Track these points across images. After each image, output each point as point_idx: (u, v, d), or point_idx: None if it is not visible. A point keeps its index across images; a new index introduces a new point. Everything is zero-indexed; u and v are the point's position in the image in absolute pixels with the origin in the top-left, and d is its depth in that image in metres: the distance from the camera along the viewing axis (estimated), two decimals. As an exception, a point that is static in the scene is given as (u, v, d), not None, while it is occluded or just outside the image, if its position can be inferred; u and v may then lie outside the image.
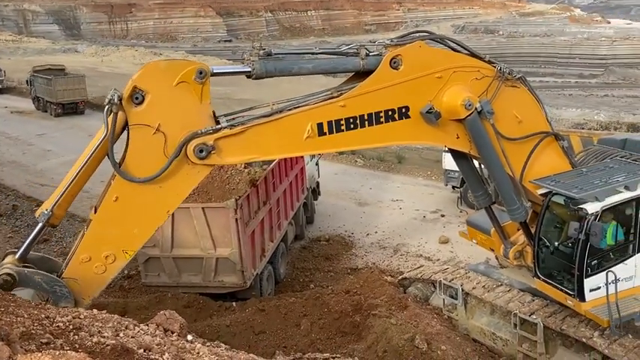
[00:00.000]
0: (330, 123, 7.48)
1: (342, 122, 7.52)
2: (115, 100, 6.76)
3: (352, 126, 7.57)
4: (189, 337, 5.87)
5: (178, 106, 7.02)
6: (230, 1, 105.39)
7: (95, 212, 7.28)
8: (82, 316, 5.58)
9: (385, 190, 21.53)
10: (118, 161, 7.03)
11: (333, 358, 7.95)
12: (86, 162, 7.08)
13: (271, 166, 13.46)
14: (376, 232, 17.46)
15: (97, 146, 7.01)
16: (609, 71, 73.08)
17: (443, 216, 18.56)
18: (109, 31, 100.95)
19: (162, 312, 6.12)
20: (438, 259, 14.93)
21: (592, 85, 68.32)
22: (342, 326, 10.15)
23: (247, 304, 11.48)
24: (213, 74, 7.10)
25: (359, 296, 11.07)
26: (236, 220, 11.13)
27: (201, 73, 6.92)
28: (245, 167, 13.39)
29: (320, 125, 7.45)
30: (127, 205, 7.15)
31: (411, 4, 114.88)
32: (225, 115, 7.46)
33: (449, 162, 17.26)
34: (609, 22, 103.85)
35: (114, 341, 4.83)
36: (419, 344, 9.13)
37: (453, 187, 19.20)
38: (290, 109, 7.44)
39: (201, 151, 7.06)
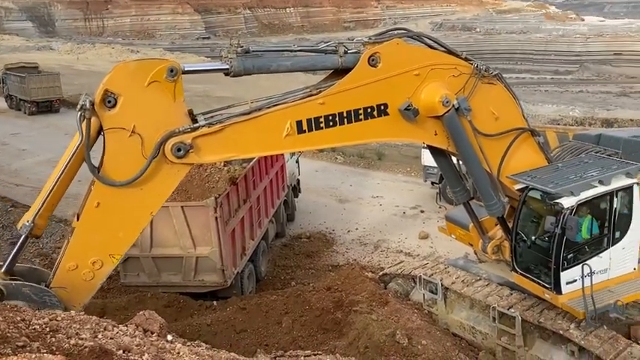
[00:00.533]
0: (309, 121, 7.49)
1: (322, 120, 7.54)
2: (87, 105, 6.72)
3: (331, 123, 7.59)
4: (170, 337, 5.82)
5: (152, 107, 6.96)
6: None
7: (78, 219, 7.23)
8: (59, 318, 5.49)
9: (365, 187, 21.61)
10: (97, 166, 6.97)
11: (315, 355, 7.95)
12: (64, 170, 7.01)
13: (251, 164, 13.41)
14: (357, 229, 17.53)
15: (74, 153, 6.95)
16: (584, 68, 74.25)
17: (422, 212, 18.71)
18: (84, 28, 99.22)
19: (141, 312, 6.06)
20: (418, 255, 15.07)
21: (567, 82, 69.33)
22: (323, 323, 10.17)
23: (228, 302, 11.43)
24: (185, 72, 7.02)
25: (340, 293, 11.10)
26: (216, 218, 11.07)
27: (172, 71, 6.85)
28: (225, 165, 13.31)
29: (299, 123, 7.45)
30: (110, 210, 7.12)
31: (389, 2, 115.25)
32: (204, 114, 7.40)
33: (428, 158, 17.38)
34: (583, 20, 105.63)
35: (92, 343, 4.77)
36: (400, 339, 9.21)
37: (432, 183, 19.36)
38: (269, 107, 7.42)
39: (179, 150, 7.01)
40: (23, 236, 7.21)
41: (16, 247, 7.37)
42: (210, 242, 11.21)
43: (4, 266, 7.17)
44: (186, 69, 7.07)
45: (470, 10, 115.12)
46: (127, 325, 5.75)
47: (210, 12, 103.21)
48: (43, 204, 7.12)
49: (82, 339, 4.90)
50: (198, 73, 7.57)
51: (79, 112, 6.76)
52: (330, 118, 7.57)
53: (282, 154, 16.28)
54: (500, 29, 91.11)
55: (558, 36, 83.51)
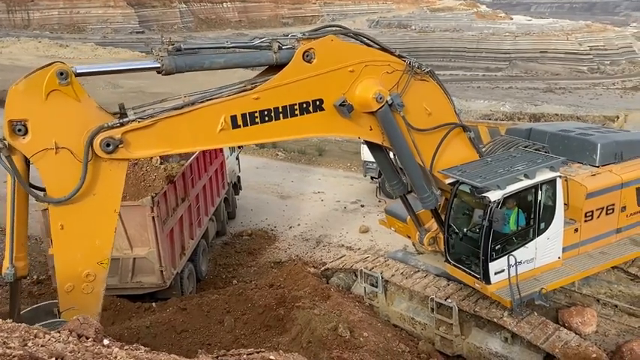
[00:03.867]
0: (244, 115, 7.44)
1: (257, 115, 7.51)
2: (1, 145, 6.58)
3: (267, 118, 7.58)
4: (106, 342, 5.61)
5: (62, 116, 6.76)
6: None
7: (52, 245, 7.23)
8: (-16, 328, 5.19)
9: (307, 183, 21.70)
10: (43, 191, 6.94)
11: (258, 352, 7.92)
12: (14, 210, 6.92)
13: (189, 161, 13.15)
14: (299, 225, 17.57)
15: (14, 192, 6.86)
16: (513, 65, 77.55)
17: (363, 206, 19.00)
18: (7, 20, 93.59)
19: (75, 317, 5.82)
20: (359, 249, 15.29)
21: (498, 78, 72.22)
22: (266, 320, 10.14)
23: (168, 303, 11.17)
24: (79, 74, 6.80)
25: (283, 289, 11.11)
26: (153, 218, 10.79)
27: (62, 74, 6.63)
28: (161, 163, 13.00)
29: (234, 118, 7.40)
30: (75, 227, 7.08)
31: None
32: (134, 108, 7.21)
33: (367, 154, 17.62)
34: (512, 19, 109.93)
35: (21, 352, 4.53)
36: (342, 332, 9.32)
37: (372, 178, 19.69)
38: (202, 102, 7.32)
39: (107, 145, 6.87)
40: (10, 283, 7.23)
41: (11, 296, 7.46)
42: (148, 243, 10.92)
43: (13, 320, 6.87)
44: (80, 71, 6.84)
45: (405, 8, 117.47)
46: (59, 332, 5.51)
47: (144, 5, 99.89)
48: (12, 248, 7.07)
49: (9, 348, 4.64)
50: (92, 75, 7.31)
51: None
52: (266, 113, 7.55)
53: (222, 151, 16.09)
54: (434, 27, 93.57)
55: (489, 34, 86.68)
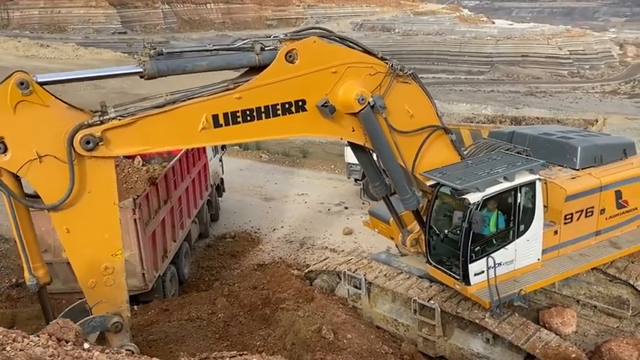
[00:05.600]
0: (225, 115, 7.44)
1: (239, 114, 7.51)
2: None
3: (249, 118, 7.58)
4: (86, 346, 5.55)
5: (35, 124, 6.74)
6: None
7: (64, 250, 7.33)
8: (-40, 333, 5.09)
9: (290, 185, 21.69)
10: (37, 199, 7.05)
11: (241, 355, 7.88)
12: (17, 224, 7.09)
13: (171, 163, 13.06)
14: (282, 227, 17.55)
15: (12, 207, 6.99)
16: (494, 68, 78.32)
17: (346, 208, 19.04)
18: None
19: (54, 320, 5.74)
20: (343, 251, 15.31)
21: (480, 82, 72.85)
22: (252, 318, 10.10)
23: (149, 306, 11.09)
24: (43, 83, 6.74)
25: (267, 291, 11.08)
26: (134, 220, 10.70)
27: (22, 84, 6.57)
28: (143, 165, 12.90)
29: (215, 117, 7.39)
30: (80, 227, 7.18)
31: (311, 1, 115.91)
32: (115, 107, 7.17)
33: (351, 156, 17.69)
34: (494, 23, 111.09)
35: (-1, 356, 4.46)
36: (325, 334, 9.33)
37: (356, 180, 19.75)
38: (184, 100, 7.30)
39: (87, 142, 6.86)
40: (36, 291, 7.56)
41: (41, 304, 7.86)
42: (129, 245, 10.79)
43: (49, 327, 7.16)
44: (41, 80, 6.75)
45: (389, 12, 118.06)
46: (38, 336, 5.43)
47: (126, 6, 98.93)
48: (27, 260, 7.30)
49: (-13, 353, 4.58)
50: (55, 84, 7.13)
51: None
52: (248, 112, 7.55)
53: (205, 153, 16.01)
54: (417, 30, 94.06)
55: (471, 38, 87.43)
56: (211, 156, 17.10)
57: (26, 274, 7.40)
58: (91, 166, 7.06)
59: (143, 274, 11.11)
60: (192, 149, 14.57)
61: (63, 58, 56.56)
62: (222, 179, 18.75)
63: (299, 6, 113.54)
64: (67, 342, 5.42)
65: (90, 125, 6.88)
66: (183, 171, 13.91)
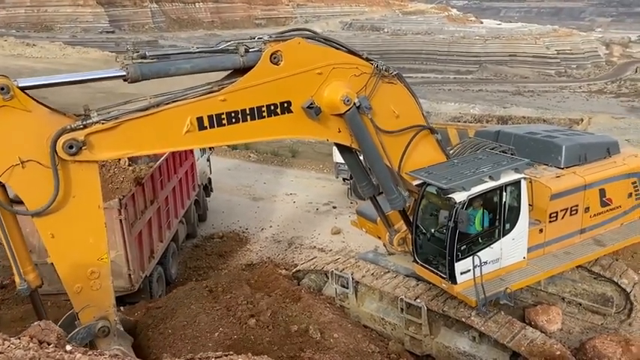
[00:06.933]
0: (210, 117, 7.41)
1: (224, 116, 7.49)
2: None
3: (234, 120, 7.55)
4: (68, 347, 5.50)
5: (17, 130, 6.71)
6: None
7: (49, 255, 7.28)
8: (-60, 335, 5.03)
9: (279, 184, 21.66)
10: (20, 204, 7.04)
11: (227, 355, 7.86)
12: (4, 229, 7.11)
13: (158, 163, 12.98)
14: (271, 227, 17.53)
15: None
16: (483, 68, 78.80)
17: (335, 207, 19.05)
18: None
19: (36, 322, 5.69)
20: (331, 250, 15.31)
21: (468, 81, 73.29)
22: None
23: (136, 307, 11.02)
24: (25, 88, 6.67)
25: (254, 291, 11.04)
26: (120, 220, 10.62)
27: (2, 89, 6.52)
28: (130, 165, 12.81)
29: (200, 119, 7.36)
30: (65, 232, 7.15)
31: (300, 0, 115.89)
32: (98, 110, 7.10)
33: (340, 155, 17.72)
34: (482, 22, 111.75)
35: (-21, 359, 4.41)
36: (312, 334, 9.35)
37: (344, 180, 19.78)
38: (168, 103, 7.27)
39: (70, 147, 6.81)
40: (27, 295, 7.61)
41: (34, 308, 7.91)
42: (115, 246, 10.72)
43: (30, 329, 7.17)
44: (23, 84, 6.67)
45: (378, 11, 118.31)
46: (19, 338, 5.37)
47: (114, 5, 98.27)
48: (16, 264, 7.30)
49: (-34, 356, 4.52)
50: (39, 88, 7.04)
51: None
52: (233, 114, 7.53)
53: (192, 153, 15.94)
54: (406, 30, 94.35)
55: (460, 37, 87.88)
56: (199, 156, 17.04)
57: (17, 279, 7.37)
58: (75, 171, 7.01)
59: (129, 274, 11.04)
60: (179, 149, 14.50)
61: (49, 58, 56.05)
62: (209, 179, 18.68)
63: (288, 5, 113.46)
64: (48, 344, 5.37)
65: (73, 129, 6.83)
66: (169, 171, 13.84)
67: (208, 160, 18.61)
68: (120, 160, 13.20)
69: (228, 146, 27.84)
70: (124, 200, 10.74)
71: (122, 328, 8.33)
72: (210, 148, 18.67)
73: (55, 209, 6.99)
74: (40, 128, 6.77)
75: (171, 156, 13.87)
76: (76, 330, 7.52)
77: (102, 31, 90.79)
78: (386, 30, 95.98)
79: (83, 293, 7.45)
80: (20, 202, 7.15)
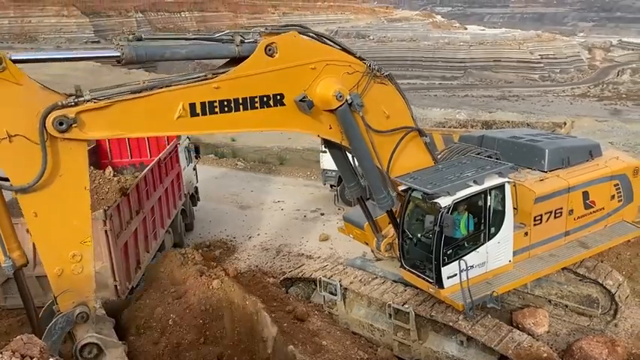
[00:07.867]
0: (203, 104, 7.38)
1: (216, 104, 7.46)
2: None
3: (226, 109, 7.53)
4: (52, 361, 5.43)
5: (6, 103, 6.60)
6: (97, 0, 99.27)
7: (30, 234, 7.13)
8: None
9: (267, 192, 21.61)
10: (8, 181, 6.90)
11: None
12: None
13: (143, 173, 12.90)
14: (258, 235, 17.46)
15: None
16: (468, 73, 79.49)
17: (322, 214, 19.03)
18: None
19: (18, 336, 5.61)
20: (319, 257, 15.27)
21: (454, 87, 73.87)
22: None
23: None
24: (17, 61, 6.62)
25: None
26: (106, 231, 10.52)
27: None
28: (114, 175, 12.73)
29: (192, 105, 7.33)
30: (49, 211, 6.99)
31: (285, 8, 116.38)
32: (91, 90, 7.05)
33: (327, 162, 17.78)
34: (466, 29, 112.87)
35: (-41, 375, 4.34)
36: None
37: (331, 186, 19.82)
38: (161, 87, 7.23)
39: (60, 123, 6.72)
40: (12, 273, 7.37)
41: (18, 287, 7.62)
42: (101, 257, 10.61)
43: (27, 311, 7.32)
44: (16, 57, 6.64)
45: (363, 19, 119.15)
46: (1, 352, 5.29)
47: (99, 15, 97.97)
48: (1, 240, 7.14)
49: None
50: (37, 62, 7.13)
51: None
52: (225, 103, 7.51)
53: (178, 162, 15.87)
54: (391, 37, 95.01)
55: (445, 43, 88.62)
56: (185, 165, 16.96)
57: (1, 256, 7.19)
58: (63, 149, 6.91)
59: (115, 285, 10.92)
60: (165, 159, 14.44)
61: (33, 68, 55.52)
62: (196, 188, 18.59)
63: (274, 14, 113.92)
64: (31, 358, 5.30)
65: (64, 106, 6.76)
66: (155, 181, 13.74)
67: (195, 169, 18.53)
68: (105, 170, 13.10)
69: (216, 154, 27.84)
70: (109, 211, 10.65)
71: (104, 312, 8.05)
72: (196, 157, 18.61)
73: (40, 187, 6.84)
74: (31, 103, 6.67)
75: (157, 165, 13.80)
76: (55, 319, 7.31)
77: (87, 41, 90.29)
78: (372, 37, 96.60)
79: (63, 276, 7.27)
80: (5, 179, 7.01)
